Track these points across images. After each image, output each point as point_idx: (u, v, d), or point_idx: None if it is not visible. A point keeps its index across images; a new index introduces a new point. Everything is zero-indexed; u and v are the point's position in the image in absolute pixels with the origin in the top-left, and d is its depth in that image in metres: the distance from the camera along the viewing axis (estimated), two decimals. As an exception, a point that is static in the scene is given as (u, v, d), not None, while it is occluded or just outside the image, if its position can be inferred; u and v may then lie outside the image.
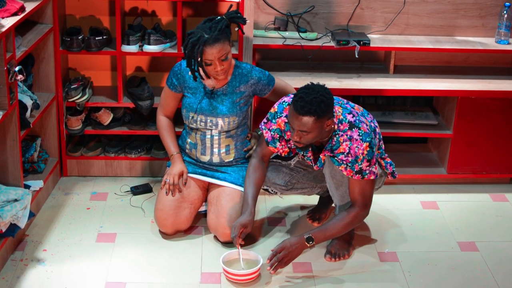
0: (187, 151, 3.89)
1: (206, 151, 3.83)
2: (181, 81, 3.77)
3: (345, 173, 3.41)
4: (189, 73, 3.71)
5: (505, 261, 3.71)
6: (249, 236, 3.72)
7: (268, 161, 3.74)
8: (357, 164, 3.37)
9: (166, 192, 3.75)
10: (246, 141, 3.89)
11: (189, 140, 3.86)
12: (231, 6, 3.71)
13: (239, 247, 3.51)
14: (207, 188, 3.91)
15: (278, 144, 3.60)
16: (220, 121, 3.75)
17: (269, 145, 3.61)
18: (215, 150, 3.82)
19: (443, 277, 3.55)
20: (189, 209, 3.79)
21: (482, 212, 4.18)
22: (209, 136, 3.80)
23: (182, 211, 3.77)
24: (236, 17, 3.65)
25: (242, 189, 3.76)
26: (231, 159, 3.86)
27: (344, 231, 3.49)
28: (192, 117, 3.77)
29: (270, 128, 3.58)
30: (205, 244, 3.75)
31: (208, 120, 3.76)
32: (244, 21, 3.69)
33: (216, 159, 3.84)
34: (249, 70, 3.76)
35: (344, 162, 3.38)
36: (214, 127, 3.77)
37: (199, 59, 3.53)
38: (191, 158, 3.90)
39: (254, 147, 3.84)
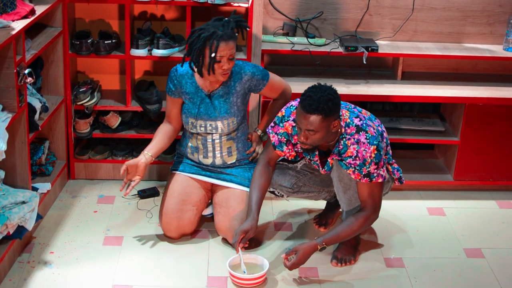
0: (189, 155, 3.89)
1: (208, 154, 3.83)
2: (177, 87, 3.75)
3: (353, 176, 3.41)
4: (192, 72, 3.69)
5: (511, 268, 3.70)
6: (254, 240, 3.73)
7: (275, 165, 3.74)
8: (365, 168, 3.37)
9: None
10: (247, 143, 3.89)
11: (190, 144, 3.86)
12: (235, 11, 3.71)
13: (240, 252, 3.50)
14: (210, 189, 3.91)
15: (285, 148, 3.60)
16: (219, 124, 3.75)
17: (276, 149, 3.62)
18: (217, 152, 3.82)
19: (449, 284, 3.55)
20: (192, 212, 3.79)
21: (488, 219, 4.18)
22: (210, 140, 3.80)
23: (185, 214, 3.77)
24: (242, 22, 3.66)
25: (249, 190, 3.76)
26: (234, 160, 3.85)
27: (355, 234, 3.49)
28: (192, 123, 3.77)
29: (277, 132, 3.58)
30: (212, 248, 3.76)
31: (208, 125, 3.76)
32: (247, 28, 3.71)
33: (218, 161, 3.84)
34: (241, 66, 3.73)
35: (352, 165, 3.39)
36: (214, 131, 3.77)
37: (213, 54, 3.54)
38: (193, 161, 3.90)
39: (256, 149, 3.86)
